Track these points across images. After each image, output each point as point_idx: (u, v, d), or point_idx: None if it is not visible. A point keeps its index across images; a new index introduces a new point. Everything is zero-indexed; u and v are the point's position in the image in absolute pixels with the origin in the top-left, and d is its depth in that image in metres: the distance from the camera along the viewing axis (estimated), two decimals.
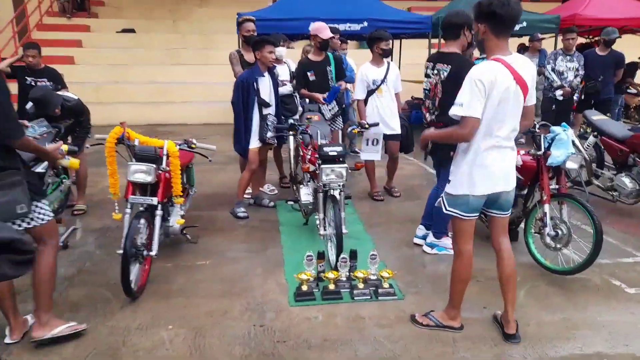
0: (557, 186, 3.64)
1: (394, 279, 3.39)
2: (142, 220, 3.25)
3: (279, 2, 9.04)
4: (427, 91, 3.72)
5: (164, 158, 3.37)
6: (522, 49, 9.53)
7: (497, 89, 2.46)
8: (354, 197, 5.46)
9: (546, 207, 3.52)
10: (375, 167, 5.40)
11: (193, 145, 3.56)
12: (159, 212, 3.33)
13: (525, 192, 3.90)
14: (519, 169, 3.77)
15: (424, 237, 4.09)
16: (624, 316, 3.09)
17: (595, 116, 5.24)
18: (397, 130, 5.15)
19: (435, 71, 3.59)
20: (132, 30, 14.59)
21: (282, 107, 5.30)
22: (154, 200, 3.30)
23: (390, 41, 5.09)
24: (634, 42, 10.77)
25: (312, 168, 3.90)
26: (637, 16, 9.20)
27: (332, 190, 3.62)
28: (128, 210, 3.31)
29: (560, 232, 3.50)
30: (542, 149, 3.56)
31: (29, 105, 4.23)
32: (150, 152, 3.31)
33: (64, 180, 4.49)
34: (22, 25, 13.28)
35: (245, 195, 5.29)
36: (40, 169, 3.29)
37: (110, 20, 15.19)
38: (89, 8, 15.60)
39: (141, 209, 3.32)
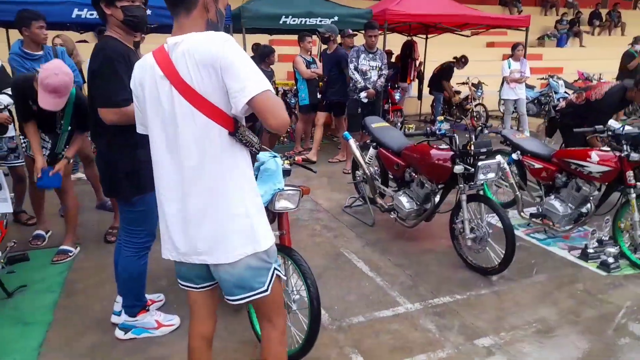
0: (280, 232, 2.64)
1: None
2: None
3: None
4: None
5: None
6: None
7: None
8: (88, 240, 4.02)
9: None
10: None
11: None
12: None
13: None
14: None
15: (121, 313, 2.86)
16: None
17: (375, 123, 4.46)
18: None
19: None
20: None
21: None
22: None
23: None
24: (450, 40, 10.77)
25: None
26: (452, 13, 8.97)
27: None
28: None
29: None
30: None
31: None
32: None
33: None
34: None
35: None
36: None
37: None
38: None
39: None
